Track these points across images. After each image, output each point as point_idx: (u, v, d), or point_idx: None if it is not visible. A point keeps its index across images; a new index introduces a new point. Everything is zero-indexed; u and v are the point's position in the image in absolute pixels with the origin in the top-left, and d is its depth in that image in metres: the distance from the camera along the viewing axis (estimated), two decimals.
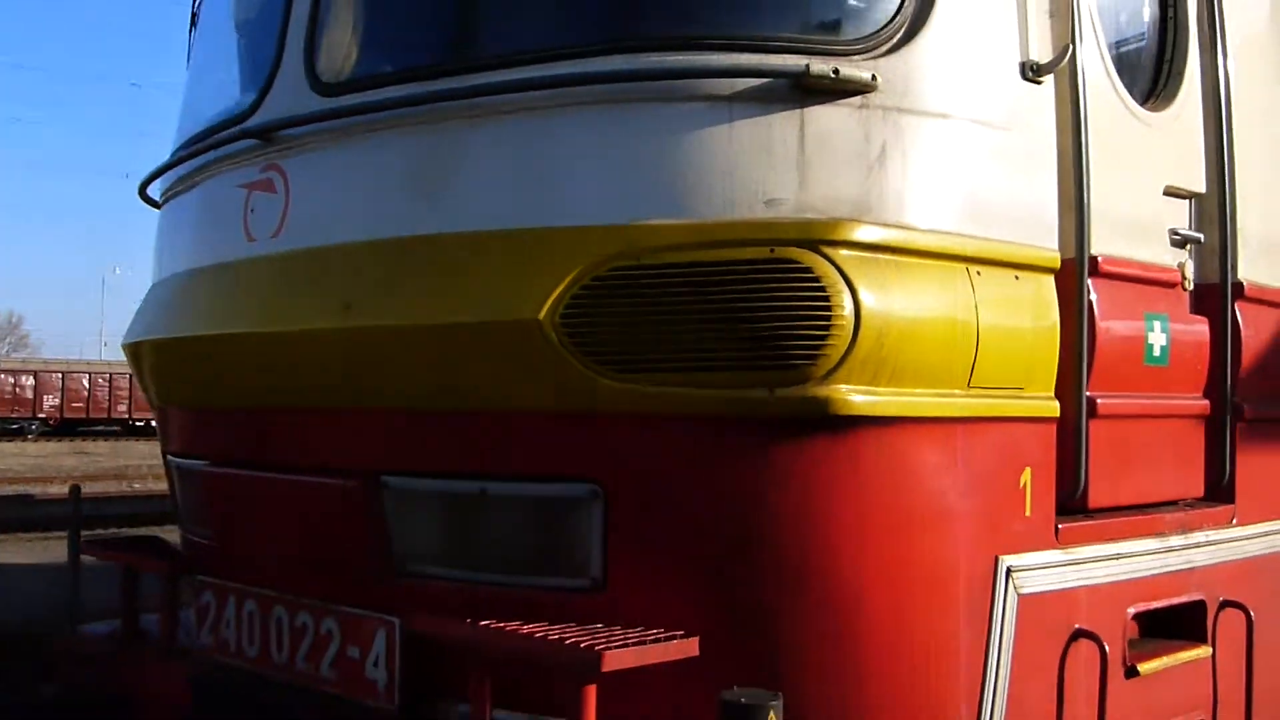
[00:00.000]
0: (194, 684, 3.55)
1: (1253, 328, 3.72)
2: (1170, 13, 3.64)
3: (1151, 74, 3.59)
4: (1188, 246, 3.58)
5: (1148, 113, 3.47)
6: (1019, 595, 2.92)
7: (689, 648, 2.66)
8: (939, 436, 2.78)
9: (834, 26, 2.88)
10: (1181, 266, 3.55)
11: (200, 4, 4.38)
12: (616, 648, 2.56)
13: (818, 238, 2.62)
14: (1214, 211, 3.64)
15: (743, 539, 2.71)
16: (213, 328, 3.34)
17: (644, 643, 2.61)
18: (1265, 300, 3.81)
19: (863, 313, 2.58)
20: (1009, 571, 2.90)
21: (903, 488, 2.73)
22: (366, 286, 2.95)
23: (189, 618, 3.90)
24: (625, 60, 2.80)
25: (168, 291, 3.78)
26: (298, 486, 3.23)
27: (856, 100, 2.74)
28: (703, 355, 2.63)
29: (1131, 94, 3.40)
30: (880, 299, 2.61)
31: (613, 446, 2.75)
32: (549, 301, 2.67)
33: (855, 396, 2.61)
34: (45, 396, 49.97)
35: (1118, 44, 3.45)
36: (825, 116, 2.73)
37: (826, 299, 2.57)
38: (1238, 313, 3.67)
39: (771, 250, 2.62)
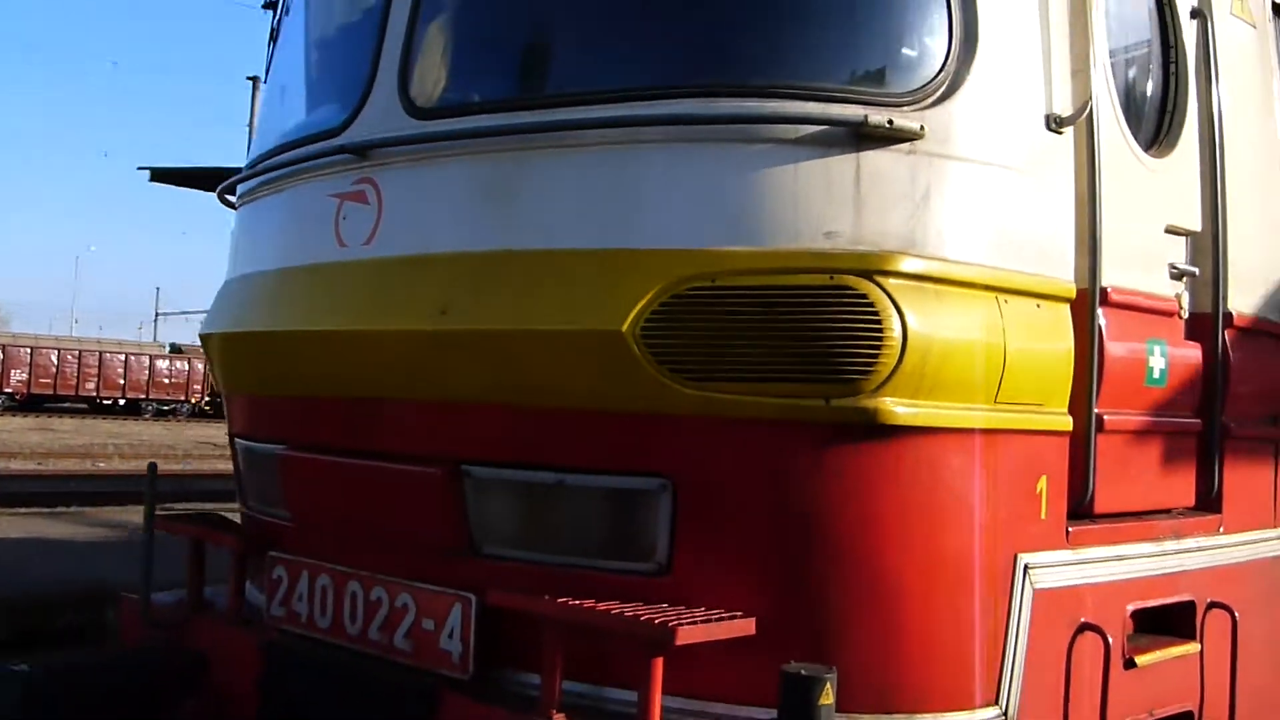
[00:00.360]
0: (264, 650, 3.87)
1: (1239, 353, 4.10)
2: (1172, 69, 4.01)
3: (1155, 124, 3.96)
4: (1184, 279, 3.96)
5: (1151, 159, 3.84)
6: (1034, 589, 3.29)
7: (747, 627, 3.01)
8: (969, 445, 3.14)
9: (886, 79, 3.24)
10: (1178, 297, 3.92)
11: (281, 20, 4.68)
12: (686, 624, 2.91)
13: (872, 268, 2.98)
14: (1208, 248, 4.02)
15: (797, 531, 3.06)
16: (309, 324, 3.66)
17: (709, 621, 2.95)
18: (1251, 329, 4.19)
19: (909, 335, 2.94)
20: (1026, 568, 3.27)
21: (937, 489, 3.09)
22: (462, 293, 3.28)
23: (252, 591, 4.23)
24: (702, 104, 3.14)
25: (253, 287, 4.09)
26: (384, 472, 3.55)
27: (905, 146, 3.10)
28: (767, 368, 2.98)
29: (1137, 141, 3.77)
30: (924, 323, 2.97)
31: (683, 445, 3.09)
32: (631, 315, 3.01)
33: (899, 408, 2.97)
34: (12, 371, 49.85)
35: (1126, 97, 3.81)
36: (878, 160, 3.08)
37: (879, 322, 2.93)
38: (1226, 340, 4.05)
39: (831, 277, 2.97)
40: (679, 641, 2.86)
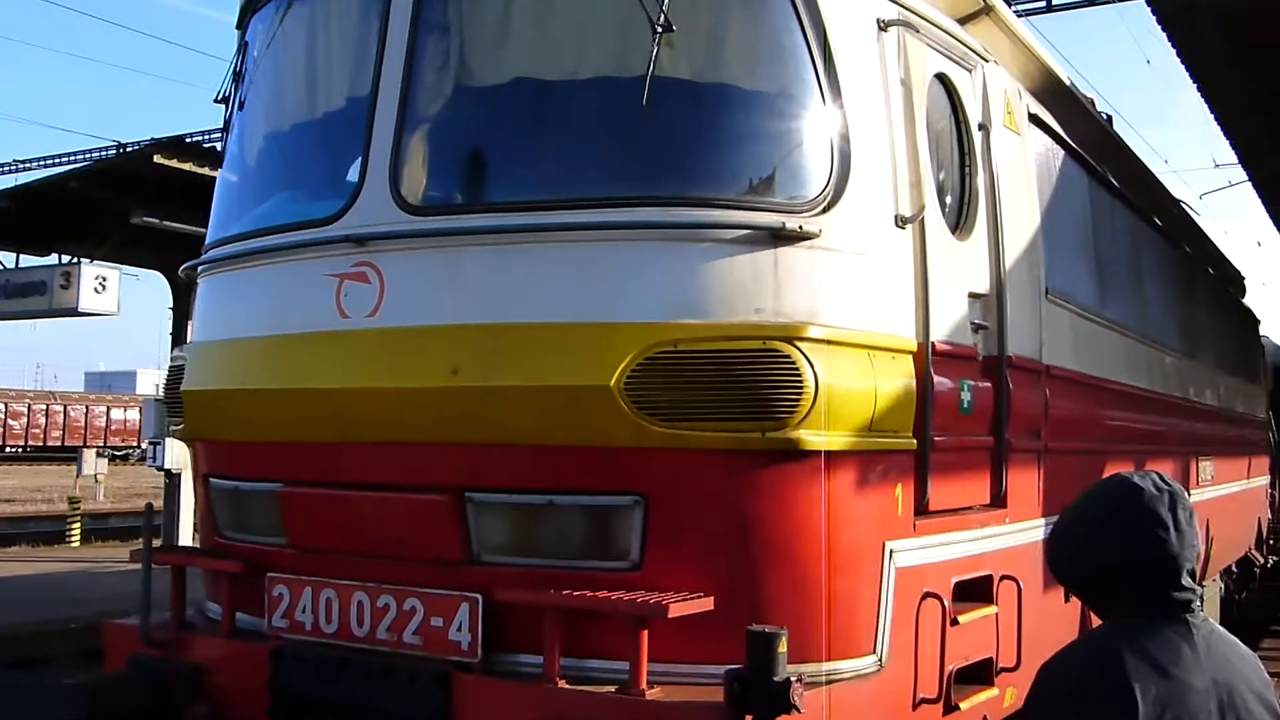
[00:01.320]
0: (273, 655, 4.59)
1: (1016, 386, 5.48)
2: (966, 170, 5.35)
3: (956, 212, 5.28)
4: (979, 331, 5.30)
5: (957, 241, 5.16)
6: (896, 568, 4.48)
7: (708, 604, 4.05)
8: (856, 462, 4.30)
9: (792, 195, 4.37)
10: (976, 345, 5.25)
11: (233, 114, 5.37)
12: (671, 603, 3.93)
13: (790, 335, 4.09)
14: (994, 307, 5.37)
15: (739, 531, 4.13)
16: (320, 382, 4.43)
17: (683, 601, 3.98)
18: (1022, 367, 5.60)
19: (819, 383, 4.07)
20: (891, 552, 4.46)
21: (836, 496, 4.24)
22: (471, 357, 4.18)
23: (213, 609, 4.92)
24: (661, 213, 4.20)
25: (244, 351, 4.80)
26: (392, 501, 4.38)
27: (806, 244, 4.24)
28: (718, 410, 4.04)
29: (947, 227, 5.08)
30: (827, 374, 4.11)
31: (653, 470, 4.10)
32: (616, 373, 4.01)
33: (812, 437, 4.09)
34: None
35: (939, 194, 5.10)
36: (789, 254, 4.22)
37: (798, 374, 4.04)
38: (1008, 377, 5.42)
39: (763, 343, 4.07)
40: (670, 615, 3.88)
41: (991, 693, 5.10)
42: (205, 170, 13.34)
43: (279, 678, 4.55)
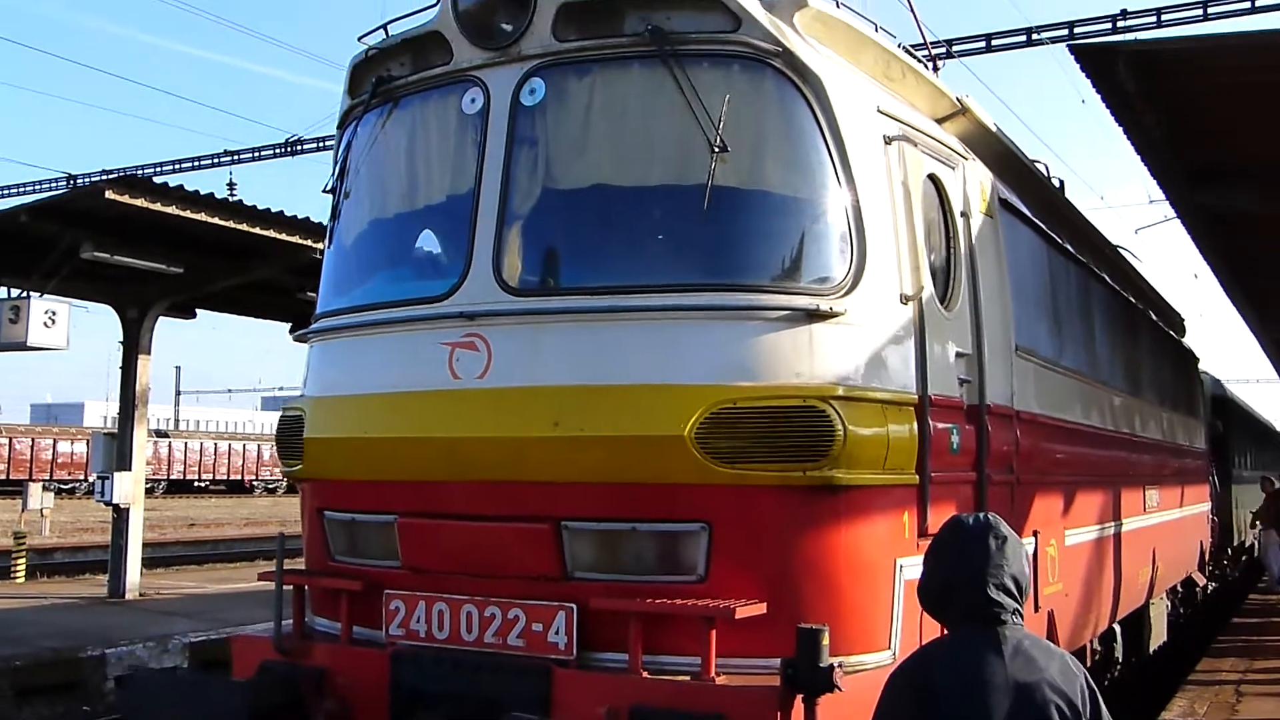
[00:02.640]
0: (394, 658, 5.61)
1: (993, 429, 6.64)
2: (951, 250, 6.52)
3: (943, 286, 6.43)
4: (963, 384, 6.44)
5: (945, 311, 6.30)
6: (905, 580, 5.59)
7: (761, 609, 5.13)
8: (873, 494, 5.42)
9: (822, 281, 5.50)
10: (962, 396, 6.39)
11: (340, 203, 6.43)
12: (736, 607, 5.00)
13: (824, 394, 5.20)
14: (975, 363, 6.53)
15: (784, 550, 5.23)
16: (439, 431, 5.48)
17: (744, 605, 5.06)
18: (999, 413, 6.76)
19: (847, 432, 5.18)
20: (901, 567, 5.58)
21: (859, 522, 5.35)
22: (569, 413, 5.25)
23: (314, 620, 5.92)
24: (720, 297, 5.32)
25: (364, 405, 5.83)
26: (501, 529, 5.43)
27: (834, 321, 5.37)
28: (768, 453, 5.14)
29: (938, 300, 6.23)
30: (852, 425, 5.22)
31: (716, 502, 5.19)
32: (689, 425, 5.10)
33: (841, 475, 5.20)
34: None
35: (932, 271, 6.25)
36: (821, 330, 5.35)
37: (830, 426, 5.15)
38: (986, 422, 6.57)
39: (803, 400, 5.17)
40: (737, 617, 4.96)
41: None
42: (157, 206, 13.87)
43: (399, 676, 5.57)
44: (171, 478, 63.64)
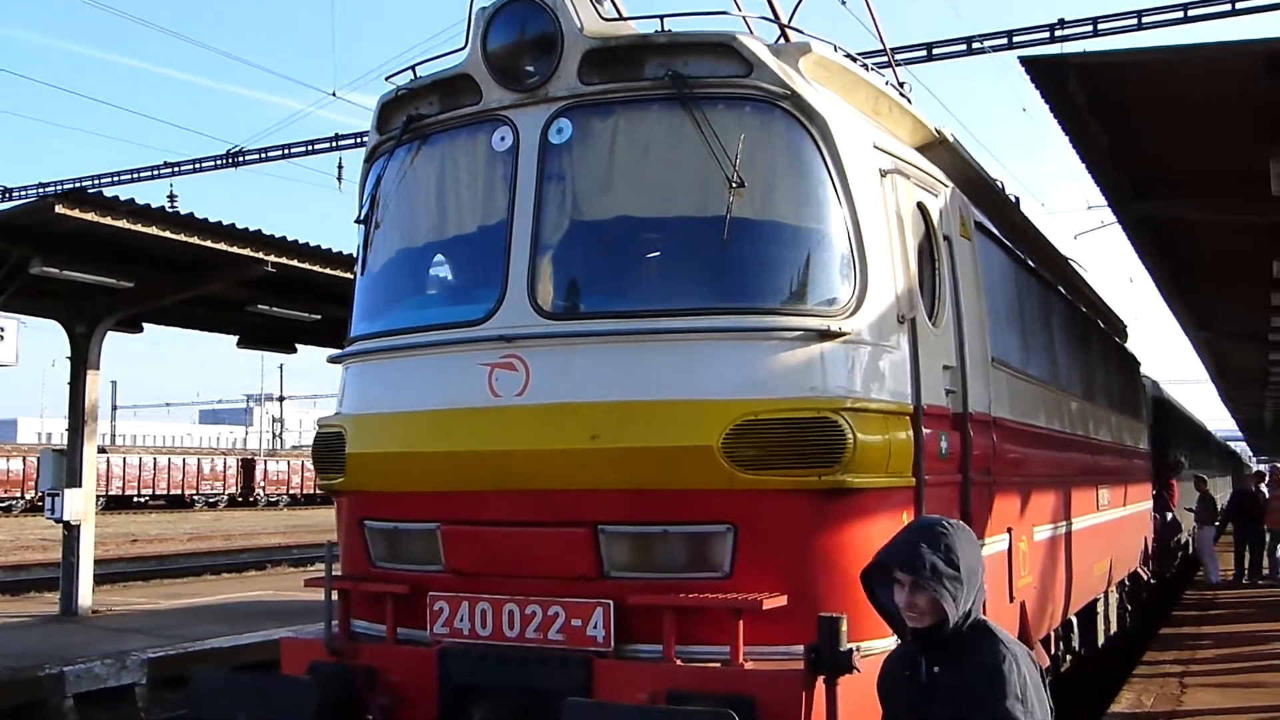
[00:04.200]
0: (440, 655, 6.23)
1: (974, 436, 7.42)
2: (937, 270, 7.28)
3: (930, 304, 7.19)
4: (949, 394, 7.21)
5: (932, 327, 7.07)
6: None
7: (782, 600, 5.84)
8: (878, 496, 6.16)
9: (830, 304, 6.23)
10: (948, 405, 7.16)
11: (371, 234, 7.03)
12: (762, 599, 5.71)
13: (836, 407, 5.92)
14: (958, 375, 7.31)
15: (802, 547, 5.94)
16: (481, 445, 6.11)
17: (769, 598, 5.77)
18: (979, 420, 7.55)
19: (856, 440, 5.91)
20: None
21: (868, 521, 6.08)
22: (606, 426, 5.92)
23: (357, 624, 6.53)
24: (741, 320, 6.02)
25: (405, 421, 6.44)
26: (542, 534, 6.08)
27: (841, 340, 6.10)
28: (787, 460, 5.85)
29: (927, 317, 6.99)
30: (862, 433, 5.94)
31: (740, 506, 5.88)
32: (716, 436, 5.80)
33: (852, 479, 5.93)
34: None
35: (921, 291, 7.01)
36: (830, 348, 6.07)
37: (842, 435, 5.87)
38: (969, 428, 7.36)
39: (817, 412, 5.90)
40: (764, 609, 5.66)
41: None
42: (107, 220, 14.03)
43: (446, 671, 6.19)
44: (110, 493, 63.03)
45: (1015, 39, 21.65)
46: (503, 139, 6.53)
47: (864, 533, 6.06)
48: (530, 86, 6.47)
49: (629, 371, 6.01)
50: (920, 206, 7.08)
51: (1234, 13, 18.96)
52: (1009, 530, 8.22)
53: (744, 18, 6.96)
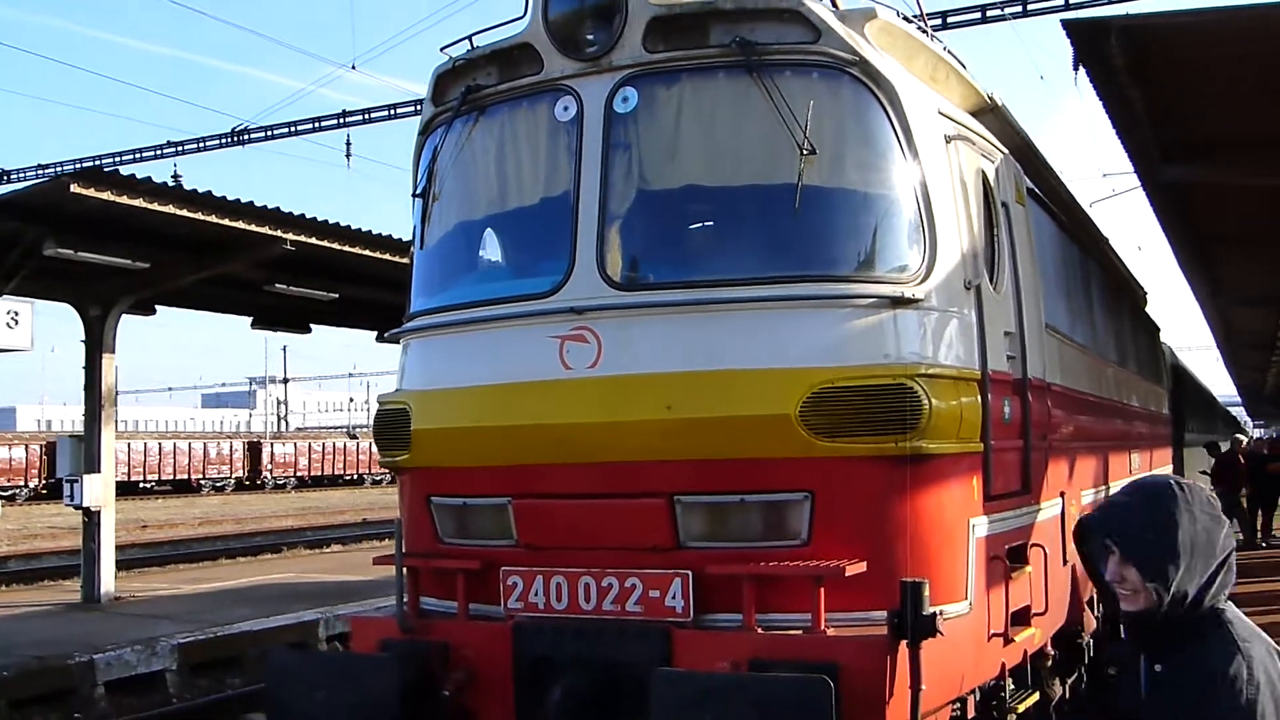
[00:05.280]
0: (515, 629, 6.23)
1: (1034, 401, 7.43)
2: (996, 236, 7.26)
3: (990, 269, 7.18)
4: (1010, 360, 7.21)
5: (994, 294, 7.06)
6: (975, 538, 6.35)
7: (862, 567, 5.85)
8: (953, 462, 6.16)
9: (903, 272, 6.21)
10: (1010, 371, 7.16)
11: (430, 205, 6.99)
12: (845, 565, 5.71)
13: (911, 373, 5.92)
14: (1018, 341, 7.31)
15: (880, 513, 5.95)
16: (554, 418, 6.10)
17: (849, 564, 5.78)
18: (1037, 386, 7.55)
19: (932, 406, 5.91)
20: (972, 525, 6.33)
21: (942, 488, 6.09)
22: (681, 396, 5.91)
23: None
24: (818, 287, 6.01)
25: (477, 395, 6.42)
26: (619, 505, 6.07)
27: (914, 306, 6.09)
28: (864, 427, 5.84)
29: (990, 285, 6.98)
30: (936, 399, 5.94)
31: (818, 473, 5.89)
32: (794, 404, 5.80)
33: (927, 445, 5.93)
34: None
35: (984, 257, 6.99)
36: (904, 315, 6.06)
37: (919, 401, 5.87)
38: (1028, 395, 7.36)
39: (893, 379, 5.89)
40: (846, 575, 5.67)
41: (1031, 631, 7.04)
42: (123, 199, 13.80)
43: (521, 646, 6.19)
44: (116, 479, 62.99)
45: (1030, 7, 21.59)
46: (566, 109, 6.49)
47: (937, 498, 6.07)
48: (593, 55, 6.43)
49: (702, 341, 6.00)
50: (980, 173, 7.06)
51: None
52: (1061, 494, 8.25)
53: None
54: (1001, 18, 21.59)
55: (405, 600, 6.67)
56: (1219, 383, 63.75)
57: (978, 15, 22.05)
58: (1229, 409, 65.93)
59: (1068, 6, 21.22)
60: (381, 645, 6.52)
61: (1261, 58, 9.72)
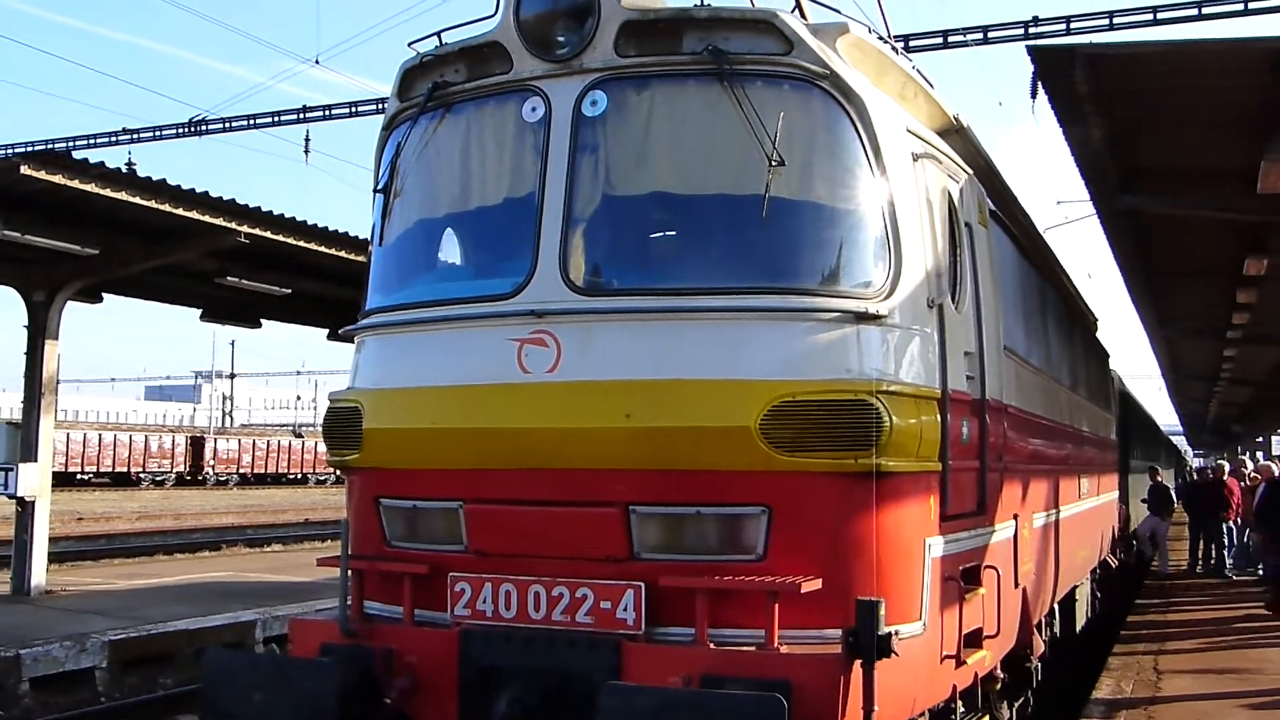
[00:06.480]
0: (463, 636, 6.10)
1: (990, 423, 7.42)
2: (959, 256, 7.25)
3: (951, 289, 7.15)
4: (969, 381, 7.19)
5: (956, 313, 7.04)
6: (931, 557, 6.31)
7: (818, 584, 5.77)
8: (909, 481, 6.11)
9: (867, 288, 6.15)
10: (969, 391, 7.14)
11: (391, 202, 6.84)
12: (800, 582, 5.64)
13: (872, 389, 5.86)
14: (977, 362, 7.30)
15: (837, 530, 5.88)
16: (510, 423, 5.97)
17: (804, 581, 5.70)
18: (994, 407, 7.54)
19: (893, 424, 5.86)
20: (928, 545, 6.28)
21: (899, 506, 6.03)
22: (640, 405, 5.81)
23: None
24: (780, 300, 5.93)
25: (430, 397, 6.28)
26: (572, 513, 5.96)
27: (877, 322, 6.04)
28: (823, 442, 5.77)
29: (952, 304, 6.95)
30: (897, 417, 5.89)
31: (775, 487, 5.80)
32: (754, 416, 5.71)
33: (887, 463, 5.87)
34: None
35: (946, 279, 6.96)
36: (867, 330, 6.01)
37: (880, 417, 5.81)
38: (986, 416, 7.34)
39: (855, 394, 5.83)
40: (802, 592, 5.59)
41: (982, 654, 7.01)
42: (75, 183, 13.57)
43: (468, 653, 6.06)
44: (53, 470, 61.82)
45: (990, 35, 21.81)
46: (534, 109, 6.38)
47: (895, 517, 6.02)
48: (564, 57, 6.33)
49: (664, 350, 5.91)
50: (945, 192, 7.04)
51: (1245, 13, 19.23)
52: (1014, 517, 8.24)
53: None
54: (964, 43, 21.79)
55: (349, 603, 6.50)
56: (1162, 411, 64.69)
57: (939, 40, 22.23)
58: (1171, 437, 66.93)
59: (1027, 35, 21.46)
60: (323, 649, 6.36)
61: (1219, 91, 9.84)
